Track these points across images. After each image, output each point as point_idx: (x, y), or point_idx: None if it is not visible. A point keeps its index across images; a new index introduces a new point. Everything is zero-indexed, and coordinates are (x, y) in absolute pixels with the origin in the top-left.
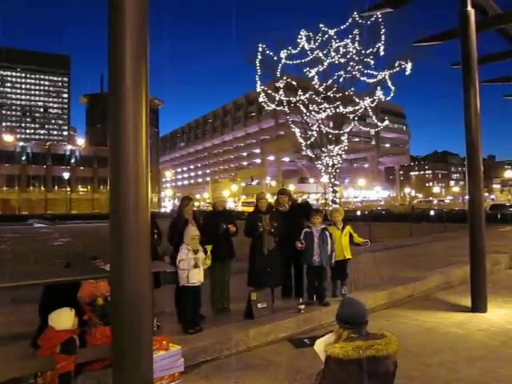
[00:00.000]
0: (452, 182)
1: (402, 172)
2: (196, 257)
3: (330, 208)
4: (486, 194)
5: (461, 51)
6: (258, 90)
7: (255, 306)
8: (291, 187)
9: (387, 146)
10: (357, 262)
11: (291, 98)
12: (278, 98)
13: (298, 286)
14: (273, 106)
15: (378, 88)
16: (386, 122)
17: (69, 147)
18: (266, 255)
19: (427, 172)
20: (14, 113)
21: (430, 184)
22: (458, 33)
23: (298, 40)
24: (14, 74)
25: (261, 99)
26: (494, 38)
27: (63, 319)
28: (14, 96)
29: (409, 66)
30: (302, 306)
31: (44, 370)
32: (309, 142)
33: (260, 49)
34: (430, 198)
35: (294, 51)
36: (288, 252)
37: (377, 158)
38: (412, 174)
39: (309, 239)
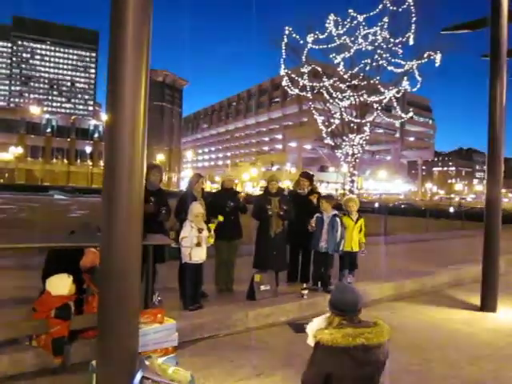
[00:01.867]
0: (475, 181)
1: (424, 167)
2: (199, 235)
3: (345, 197)
4: (510, 195)
5: (490, 40)
6: (282, 73)
7: (258, 287)
8: None
9: (411, 139)
10: (368, 252)
11: (315, 84)
12: (301, 83)
13: (304, 271)
14: (296, 90)
15: (405, 78)
16: (411, 114)
17: (93, 122)
18: (272, 238)
19: (451, 168)
20: (41, 85)
21: (453, 181)
22: (488, 22)
23: (326, 25)
24: (43, 46)
25: (284, 83)
26: None
27: (60, 285)
28: (42, 69)
29: (438, 57)
30: (305, 292)
31: (38, 332)
32: (330, 130)
33: (286, 32)
34: (452, 195)
35: (320, 36)
36: (297, 236)
37: (400, 151)
38: (435, 169)
39: (318, 225)
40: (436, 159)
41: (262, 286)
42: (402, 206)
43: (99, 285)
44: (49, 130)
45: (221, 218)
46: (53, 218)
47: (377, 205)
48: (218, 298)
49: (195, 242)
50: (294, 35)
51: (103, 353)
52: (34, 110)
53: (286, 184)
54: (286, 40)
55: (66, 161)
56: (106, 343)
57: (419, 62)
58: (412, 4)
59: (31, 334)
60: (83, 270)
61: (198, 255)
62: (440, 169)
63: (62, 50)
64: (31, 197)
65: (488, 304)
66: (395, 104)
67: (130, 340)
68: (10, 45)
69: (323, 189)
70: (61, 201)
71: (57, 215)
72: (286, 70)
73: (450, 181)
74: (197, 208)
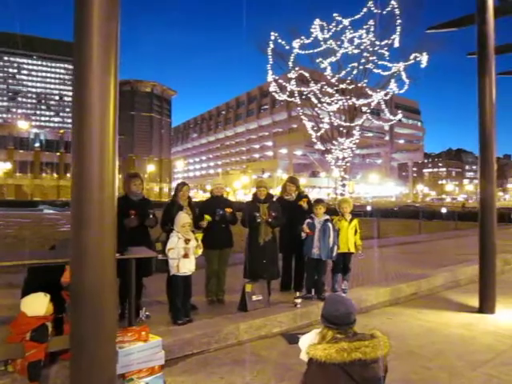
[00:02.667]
0: (466, 181)
1: (415, 169)
2: (186, 246)
3: (339, 198)
4: (501, 194)
5: (477, 38)
6: (270, 79)
7: (249, 298)
8: (302, 181)
9: (401, 141)
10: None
11: (303, 89)
12: (289, 89)
13: (297, 279)
14: (284, 96)
15: (392, 81)
16: (400, 116)
17: None
18: (262, 246)
19: (441, 169)
20: (29, 100)
21: (444, 182)
22: (474, 19)
23: (312, 30)
24: (30, 61)
25: (272, 89)
26: None
27: (36, 305)
28: (29, 83)
29: (424, 58)
30: (299, 300)
31: (13, 357)
32: (319, 134)
33: (272, 37)
34: (443, 196)
35: (306, 41)
36: (289, 243)
37: (390, 154)
38: (425, 171)
39: (310, 230)
40: (426, 161)
41: (253, 297)
42: (395, 209)
43: (71, 304)
44: (37, 144)
45: (208, 218)
46: (41, 233)
47: (369, 208)
48: (209, 310)
49: (182, 253)
50: (279, 40)
51: (78, 379)
52: (22, 124)
53: (278, 191)
54: (272, 46)
55: (55, 175)
56: (80, 368)
57: (406, 64)
58: (396, 6)
59: (6, 359)
60: (64, 286)
61: (187, 267)
62: (430, 170)
63: (48, 64)
64: (20, 212)
65: (486, 305)
66: (383, 107)
67: (106, 363)
68: None
69: (315, 194)
70: (50, 215)
71: (45, 230)
72: (273, 76)
73: (440, 182)
74: (183, 218)
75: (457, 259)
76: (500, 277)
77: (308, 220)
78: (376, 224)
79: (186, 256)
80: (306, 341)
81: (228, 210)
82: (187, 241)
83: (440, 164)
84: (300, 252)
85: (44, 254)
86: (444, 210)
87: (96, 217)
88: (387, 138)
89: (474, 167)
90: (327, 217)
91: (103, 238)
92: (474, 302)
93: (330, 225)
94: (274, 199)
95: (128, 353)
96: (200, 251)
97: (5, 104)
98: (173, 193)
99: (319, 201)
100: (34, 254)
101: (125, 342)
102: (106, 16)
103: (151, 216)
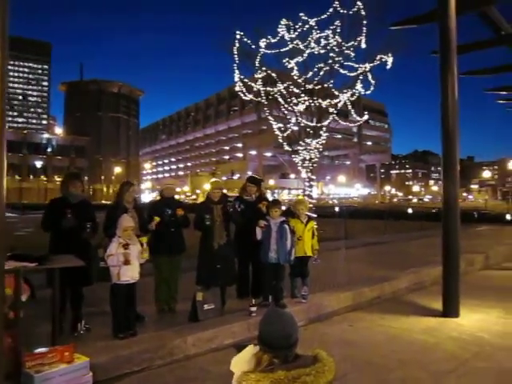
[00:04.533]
0: (431, 182)
1: (382, 170)
2: (126, 252)
3: (294, 199)
4: (464, 194)
5: (439, 34)
6: (236, 79)
7: (201, 307)
8: (271, 182)
9: (369, 143)
10: (324, 259)
11: (269, 89)
12: (255, 89)
13: (255, 285)
14: (250, 96)
15: (358, 82)
16: (366, 117)
17: (46, 136)
18: (215, 250)
19: (408, 171)
20: None
21: (410, 183)
22: (436, 15)
23: (278, 29)
24: None
25: (237, 88)
26: (477, 28)
27: None
28: None
29: (390, 60)
30: (254, 308)
31: None
32: (285, 135)
33: (238, 36)
34: (410, 197)
35: (273, 40)
36: (245, 247)
37: (358, 156)
38: (393, 172)
39: (266, 233)
40: (393, 162)
41: (205, 306)
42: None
43: None
44: None
45: (157, 219)
46: None
47: (337, 209)
48: (157, 321)
49: (122, 259)
50: (245, 39)
51: None
52: None
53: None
54: (237, 45)
55: (17, 177)
56: None
57: (371, 64)
58: (362, 7)
59: None
60: None
61: (128, 274)
62: (397, 171)
63: (12, 62)
64: None
65: (450, 309)
66: (350, 107)
67: None
68: None
69: (285, 195)
70: (8, 219)
71: None
72: (239, 76)
73: (407, 183)
74: (126, 221)
75: (421, 260)
76: (464, 278)
77: (263, 222)
78: (343, 225)
79: (126, 262)
80: (239, 362)
81: (179, 211)
82: (126, 246)
83: (407, 165)
84: (258, 256)
85: None
86: (410, 210)
87: None
88: (355, 139)
89: (440, 169)
90: (283, 218)
91: None
92: (439, 304)
93: (286, 226)
94: (231, 199)
95: (47, 377)
96: (147, 255)
97: None
98: (116, 194)
99: (275, 202)
100: None
101: (44, 364)
102: None
103: (88, 229)
